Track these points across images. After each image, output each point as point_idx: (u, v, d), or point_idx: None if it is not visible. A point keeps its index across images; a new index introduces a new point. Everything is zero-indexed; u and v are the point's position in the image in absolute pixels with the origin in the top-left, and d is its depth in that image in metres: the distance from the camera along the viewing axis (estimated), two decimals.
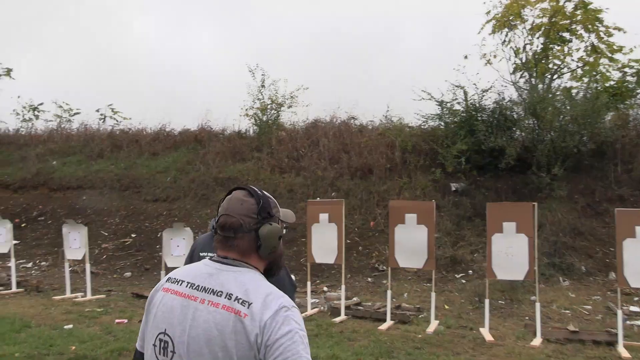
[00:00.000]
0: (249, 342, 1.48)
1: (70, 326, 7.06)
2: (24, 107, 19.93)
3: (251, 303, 1.52)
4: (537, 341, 6.74)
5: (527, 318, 7.90)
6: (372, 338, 6.85)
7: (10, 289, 9.48)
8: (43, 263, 11.91)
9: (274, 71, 27.63)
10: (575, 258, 10.07)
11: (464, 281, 9.90)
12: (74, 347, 6.00)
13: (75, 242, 8.96)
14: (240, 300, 1.53)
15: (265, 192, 1.75)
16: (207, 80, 32.09)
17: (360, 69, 29.43)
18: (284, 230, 1.78)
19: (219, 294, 1.56)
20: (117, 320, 7.48)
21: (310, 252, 8.48)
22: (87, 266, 9.20)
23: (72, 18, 39.96)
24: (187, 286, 1.62)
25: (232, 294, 1.54)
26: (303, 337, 1.53)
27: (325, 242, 8.29)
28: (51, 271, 11.29)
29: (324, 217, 8.33)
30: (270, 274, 1.73)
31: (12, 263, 9.55)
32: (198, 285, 1.60)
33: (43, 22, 38.67)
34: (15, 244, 12.43)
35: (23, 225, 14.01)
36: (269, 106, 16.58)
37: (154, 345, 1.62)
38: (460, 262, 10.58)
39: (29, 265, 11.83)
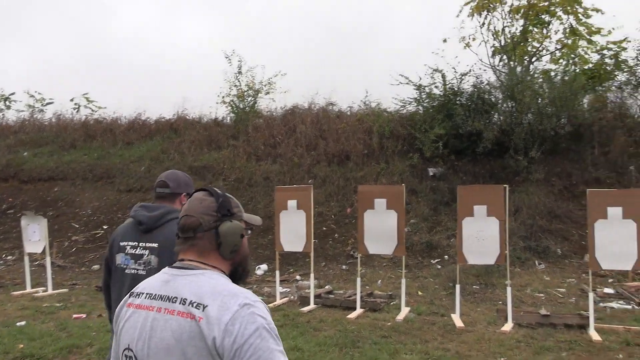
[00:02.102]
0: (207, 346, 1.41)
1: (23, 323, 6.74)
2: None
3: (206, 306, 1.45)
4: (508, 326, 6.56)
5: (500, 303, 7.73)
6: (339, 327, 6.63)
7: None
8: (9, 257, 11.55)
9: (257, 59, 27.18)
10: (551, 241, 9.91)
11: (439, 267, 9.71)
12: (21, 346, 5.69)
13: (35, 235, 8.63)
14: (195, 304, 1.46)
15: (227, 194, 1.72)
16: (188, 69, 31.66)
17: (341, 55, 29.13)
18: (249, 231, 1.75)
19: (173, 300, 1.50)
20: (74, 316, 7.16)
21: (278, 241, 8.22)
22: (48, 260, 8.88)
23: (55, 5, 39.20)
24: (145, 297, 1.58)
25: (186, 299, 1.49)
26: (271, 330, 1.46)
27: (293, 229, 8.03)
28: (17, 265, 10.91)
29: (292, 203, 8.06)
30: (237, 278, 1.67)
31: None
32: (155, 295, 1.56)
33: (24, 9, 37.90)
34: None
35: None
36: (245, 93, 16.26)
37: None
38: (436, 247, 10.39)
39: None
